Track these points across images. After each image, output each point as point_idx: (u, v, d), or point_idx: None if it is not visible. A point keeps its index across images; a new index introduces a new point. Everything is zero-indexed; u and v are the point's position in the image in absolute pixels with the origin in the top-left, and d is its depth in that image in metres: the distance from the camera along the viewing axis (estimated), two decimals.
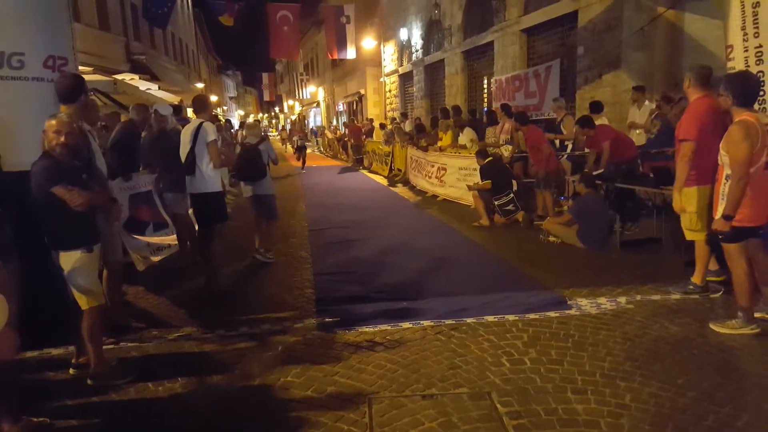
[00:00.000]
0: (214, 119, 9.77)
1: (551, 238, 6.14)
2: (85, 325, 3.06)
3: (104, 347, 3.32)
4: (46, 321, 3.47)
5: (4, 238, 2.71)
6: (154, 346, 3.69)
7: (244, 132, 8.80)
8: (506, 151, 8.24)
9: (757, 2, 3.96)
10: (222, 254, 6.17)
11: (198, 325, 4.01)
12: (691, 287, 4.28)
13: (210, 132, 4.64)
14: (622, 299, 4.22)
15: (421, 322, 3.90)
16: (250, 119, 48.60)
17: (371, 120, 19.81)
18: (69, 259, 2.98)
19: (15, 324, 2.51)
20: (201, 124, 4.70)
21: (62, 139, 2.95)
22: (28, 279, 3.03)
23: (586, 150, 6.96)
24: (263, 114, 66.26)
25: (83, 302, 3.02)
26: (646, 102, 7.48)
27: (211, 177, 4.72)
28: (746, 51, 3.96)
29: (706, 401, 2.76)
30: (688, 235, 4.29)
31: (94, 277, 3.11)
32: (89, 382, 3.12)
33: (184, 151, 4.76)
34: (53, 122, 2.99)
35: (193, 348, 3.65)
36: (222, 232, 4.97)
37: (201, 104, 5.07)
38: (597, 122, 6.93)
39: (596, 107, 7.61)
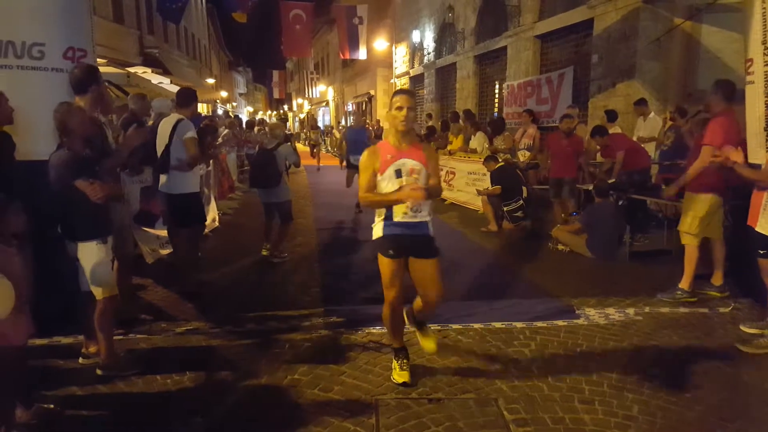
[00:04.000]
0: (199, 117, 9.23)
1: (560, 247, 6.12)
2: (98, 315, 3.08)
3: (114, 338, 3.34)
4: (56, 309, 3.50)
5: (18, 227, 2.72)
6: (162, 339, 3.71)
7: (263, 131, 8.53)
8: (523, 156, 8.21)
9: None
10: (229, 251, 6.21)
11: (206, 320, 4.02)
12: (679, 293, 4.37)
13: (188, 130, 4.31)
14: (631, 310, 4.20)
15: (428, 325, 3.89)
16: (258, 115, 48.74)
17: (378, 121, 19.76)
18: (85, 250, 3.00)
19: (28, 310, 2.52)
20: (179, 121, 4.36)
21: (76, 130, 2.97)
22: (40, 268, 3.06)
23: (599, 158, 6.93)
24: (272, 111, 66.42)
25: (98, 293, 3.04)
26: (652, 114, 7.46)
27: (188, 177, 4.42)
28: (766, 65, 3.93)
29: (714, 416, 2.75)
30: (684, 239, 4.43)
31: (108, 268, 3.13)
32: (98, 372, 3.14)
33: (160, 148, 4.42)
34: (66, 112, 2.99)
35: (201, 342, 3.67)
36: (221, 230, 4.91)
37: (185, 98, 4.57)
38: (611, 131, 6.91)
39: (611, 116, 7.60)
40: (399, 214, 2.95)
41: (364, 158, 2.95)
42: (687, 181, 4.24)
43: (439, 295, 3.05)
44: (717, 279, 4.48)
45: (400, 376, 3.05)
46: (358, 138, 8.57)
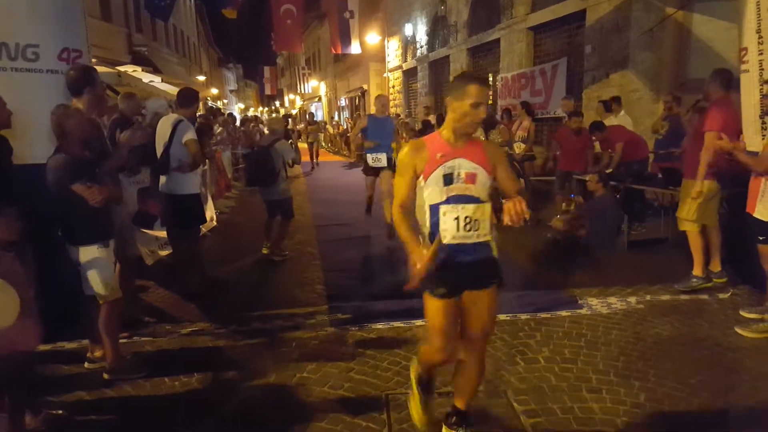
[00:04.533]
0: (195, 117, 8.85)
1: (549, 235, 6.15)
2: (102, 319, 3.06)
3: (119, 341, 3.32)
4: (58, 315, 3.47)
5: (11, 235, 2.68)
6: (167, 341, 3.70)
7: (257, 127, 8.44)
8: (518, 149, 8.25)
9: None
10: (229, 250, 6.19)
11: (210, 321, 4.01)
12: (695, 280, 4.41)
13: (188, 131, 4.31)
14: (632, 299, 4.24)
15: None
16: (250, 112, 48.36)
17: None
18: (87, 254, 2.98)
19: (35, 315, 2.51)
20: (179, 121, 4.36)
21: (74, 133, 2.94)
22: (40, 273, 3.03)
23: (596, 148, 6.96)
24: (263, 107, 65.99)
25: (101, 297, 3.02)
26: (622, 112, 7.49)
27: (189, 178, 4.41)
28: (761, 54, 3.97)
29: (720, 401, 2.79)
30: (682, 225, 4.47)
31: (111, 272, 3.12)
32: (105, 376, 3.13)
33: (159, 148, 4.41)
34: (63, 114, 2.96)
35: (206, 343, 3.66)
36: (218, 230, 4.89)
37: (187, 99, 4.61)
38: (607, 121, 6.94)
39: (608, 106, 7.63)
40: (449, 234, 2.15)
41: (403, 155, 2.21)
42: (703, 171, 4.17)
43: (487, 331, 2.28)
44: (715, 266, 4.52)
45: (418, 415, 2.44)
46: (381, 130, 6.16)
